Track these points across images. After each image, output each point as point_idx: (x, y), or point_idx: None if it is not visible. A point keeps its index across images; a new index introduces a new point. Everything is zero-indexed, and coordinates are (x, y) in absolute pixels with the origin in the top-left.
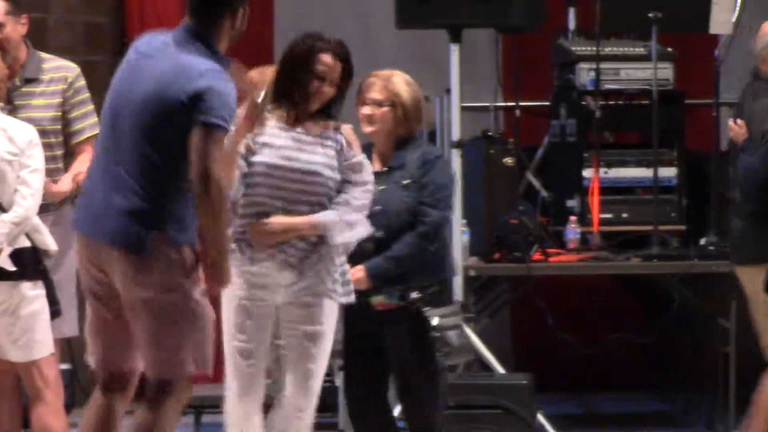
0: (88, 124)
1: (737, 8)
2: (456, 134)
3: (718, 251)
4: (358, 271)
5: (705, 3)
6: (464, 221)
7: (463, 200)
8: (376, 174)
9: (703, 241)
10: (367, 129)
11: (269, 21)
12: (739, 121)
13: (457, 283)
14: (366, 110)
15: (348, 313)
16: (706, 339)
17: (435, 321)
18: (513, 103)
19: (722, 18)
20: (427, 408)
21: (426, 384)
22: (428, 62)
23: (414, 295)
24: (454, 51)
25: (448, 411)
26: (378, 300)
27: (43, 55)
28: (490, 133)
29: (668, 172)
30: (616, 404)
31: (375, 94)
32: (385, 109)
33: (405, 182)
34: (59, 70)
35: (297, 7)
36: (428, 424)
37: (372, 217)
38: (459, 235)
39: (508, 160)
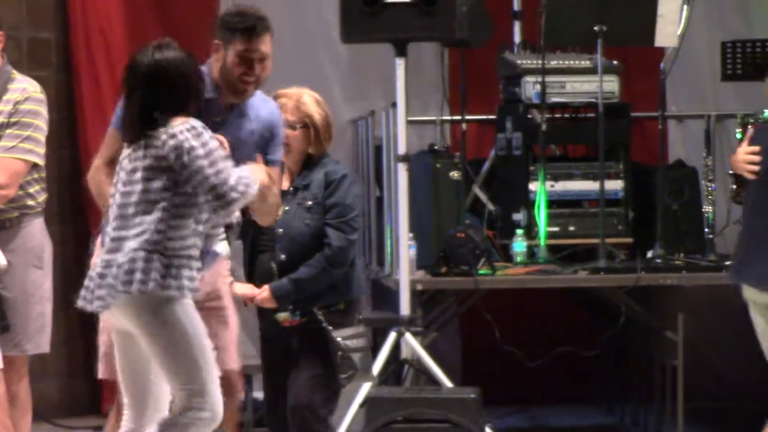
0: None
1: (682, 21)
2: (402, 148)
3: (665, 264)
4: (264, 291)
5: (650, 16)
6: (411, 235)
7: (409, 214)
8: (283, 193)
9: (650, 254)
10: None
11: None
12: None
13: (404, 297)
14: None
15: (262, 332)
16: (654, 352)
17: (339, 339)
18: (459, 117)
19: (668, 31)
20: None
21: (322, 402)
22: (374, 76)
23: (317, 312)
24: (400, 65)
25: (396, 425)
26: (283, 317)
27: (15, 74)
28: (436, 147)
29: (614, 185)
30: (564, 418)
31: (287, 115)
32: (297, 131)
33: (308, 204)
34: (16, 91)
35: None
36: None
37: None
38: (406, 250)
39: (455, 174)
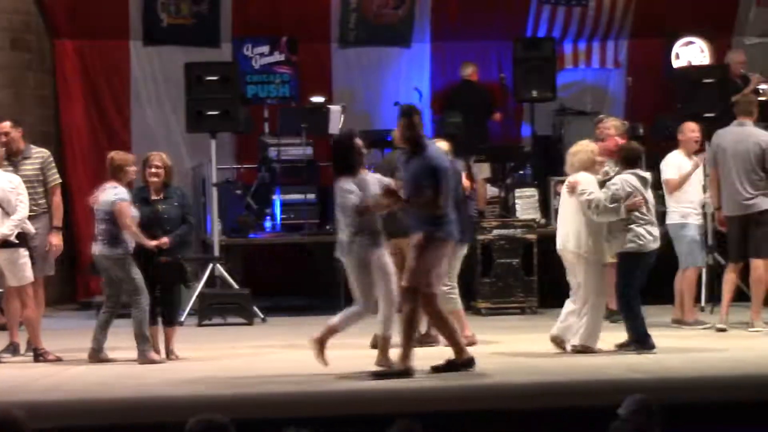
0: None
1: None
2: (214, 179)
3: None
4: (165, 239)
5: None
6: (219, 221)
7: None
8: (155, 200)
9: None
10: (156, 181)
11: None
12: None
13: (216, 247)
14: (154, 176)
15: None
16: None
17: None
18: (234, 165)
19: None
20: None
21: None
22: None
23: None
24: (212, 142)
25: (213, 304)
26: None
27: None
28: (228, 179)
29: None
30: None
31: (157, 162)
32: (162, 171)
33: (175, 204)
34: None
35: None
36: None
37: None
38: (217, 227)
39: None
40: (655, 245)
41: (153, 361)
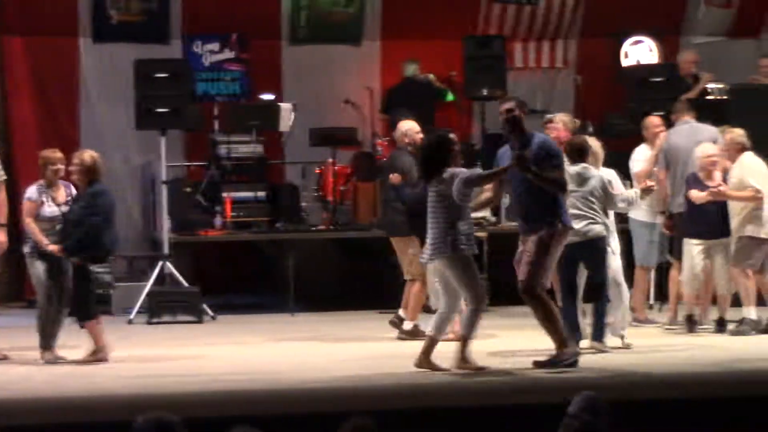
0: None
1: None
2: (164, 177)
3: None
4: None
5: None
6: (168, 218)
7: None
8: (67, 201)
9: None
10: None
11: None
12: None
13: (166, 244)
14: (73, 175)
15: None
16: None
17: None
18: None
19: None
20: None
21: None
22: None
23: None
24: (161, 140)
25: (162, 301)
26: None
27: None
28: (179, 177)
29: None
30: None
31: (75, 161)
32: (78, 169)
33: (82, 205)
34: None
35: None
36: None
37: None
38: (166, 224)
39: (187, 189)
40: (574, 238)
41: (54, 360)
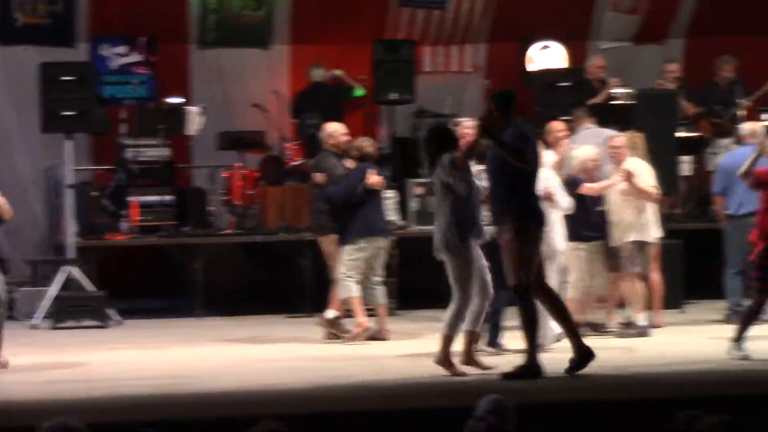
0: None
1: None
2: (70, 181)
3: None
4: None
5: None
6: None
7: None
8: None
9: None
10: None
11: None
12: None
13: (71, 250)
14: None
15: None
16: None
17: None
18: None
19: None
20: None
21: None
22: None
23: None
24: (69, 144)
25: (69, 306)
26: None
27: None
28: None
29: None
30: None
31: None
32: None
33: None
34: None
35: None
36: None
37: None
38: (73, 229)
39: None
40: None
41: None
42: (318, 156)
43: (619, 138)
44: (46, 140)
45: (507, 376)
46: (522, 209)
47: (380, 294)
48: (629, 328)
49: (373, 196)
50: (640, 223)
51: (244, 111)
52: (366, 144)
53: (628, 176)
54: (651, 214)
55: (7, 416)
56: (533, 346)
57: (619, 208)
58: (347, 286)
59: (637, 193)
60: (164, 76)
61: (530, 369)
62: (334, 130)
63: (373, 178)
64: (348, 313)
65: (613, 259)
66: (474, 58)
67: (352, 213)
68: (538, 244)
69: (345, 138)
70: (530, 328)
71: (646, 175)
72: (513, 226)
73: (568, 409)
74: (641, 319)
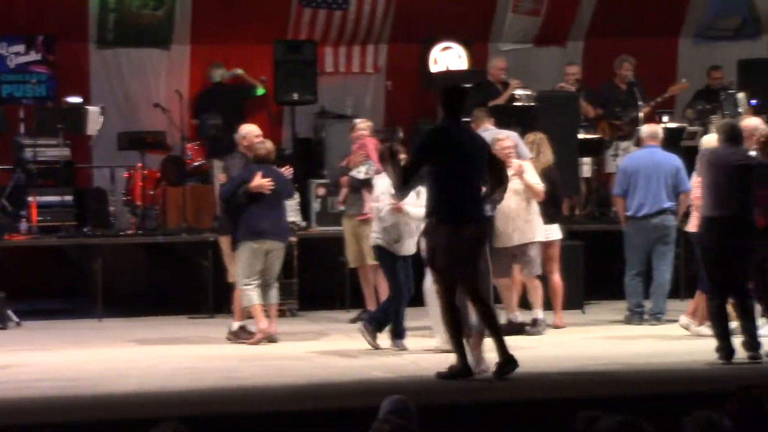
0: None
1: None
2: None
3: None
4: None
5: None
6: None
7: None
8: None
9: None
10: None
11: None
12: None
13: None
14: None
15: None
16: None
17: None
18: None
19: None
20: None
21: None
22: None
23: None
24: None
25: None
26: None
27: None
28: None
29: None
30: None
31: None
32: None
33: None
34: None
35: None
36: None
37: None
38: None
39: None
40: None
41: None
42: (228, 156)
43: (507, 140)
44: None
45: (440, 375)
46: (435, 205)
47: (273, 295)
48: (536, 326)
49: (261, 198)
50: (530, 224)
51: (144, 111)
52: (259, 146)
53: (520, 172)
54: (537, 213)
55: None
56: (461, 350)
57: (505, 213)
58: (248, 296)
59: (524, 190)
60: (63, 75)
61: (455, 372)
62: (248, 131)
63: (257, 181)
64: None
65: (502, 260)
66: (375, 59)
67: (238, 215)
68: (457, 241)
69: (258, 139)
70: (443, 327)
71: (533, 174)
72: (429, 222)
73: (466, 411)
74: (541, 314)
